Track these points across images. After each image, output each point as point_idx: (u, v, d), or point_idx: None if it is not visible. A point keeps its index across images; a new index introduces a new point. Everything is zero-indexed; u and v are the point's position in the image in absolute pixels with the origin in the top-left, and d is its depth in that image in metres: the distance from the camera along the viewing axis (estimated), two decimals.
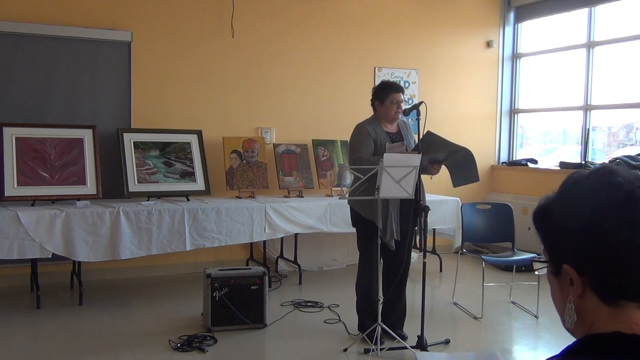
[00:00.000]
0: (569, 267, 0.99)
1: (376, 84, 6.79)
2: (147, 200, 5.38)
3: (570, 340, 1.01)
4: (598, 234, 0.96)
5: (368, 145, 4.16)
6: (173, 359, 3.87)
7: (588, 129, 6.72)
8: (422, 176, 4.13)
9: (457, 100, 7.39)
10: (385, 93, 4.24)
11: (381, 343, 3.97)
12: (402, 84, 6.96)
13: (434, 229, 6.41)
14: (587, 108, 6.80)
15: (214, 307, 4.30)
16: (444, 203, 6.29)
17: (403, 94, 4.27)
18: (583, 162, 6.45)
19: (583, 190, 1.01)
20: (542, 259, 1.08)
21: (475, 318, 4.81)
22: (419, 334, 3.94)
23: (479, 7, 7.50)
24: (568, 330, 1.03)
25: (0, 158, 4.97)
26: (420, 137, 4.02)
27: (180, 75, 6.08)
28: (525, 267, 5.94)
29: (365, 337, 4.05)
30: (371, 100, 4.36)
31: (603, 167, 1.03)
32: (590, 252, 0.97)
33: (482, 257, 5.10)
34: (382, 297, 3.97)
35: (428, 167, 4.09)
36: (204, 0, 6.13)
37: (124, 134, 5.56)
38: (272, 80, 6.46)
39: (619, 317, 0.96)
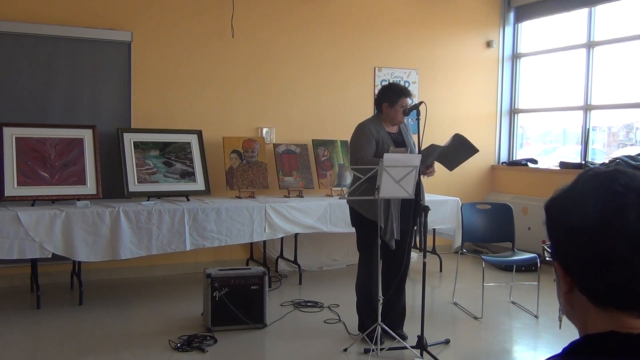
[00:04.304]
0: (557, 264, 0.98)
1: (376, 84, 6.86)
2: (147, 200, 5.38)
3: (569, 340, 1.01)
4: (584, 239, 0.92)
5: (370, 145, 4.16)
6: (173, 359, 3.87)
7: (588, 129, 6.72)
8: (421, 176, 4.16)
9: (457, 100, 7.39)
10: (397, 96, 4.21)
11: (381, 343, 3.97)
12: (401, 84, 6.96)
13: (434, 229, 6.41)
14: (587, 108, 6.80)
15: (214, 307, 4.30)
16: (444, 203, 6.29)
17: (411, 98, 4.31)
18: (583, 162, 6.45)
19: (581, 190, 0.97)
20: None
21: (475, 318, 4.81)
22: (419, 334, 3.93)
23: (479, 7, 7.50)
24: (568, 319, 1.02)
25: (0, 158, 4.97)
26: (420, 137, 4.03)
27: (180, 75, 6.08)
28: (525, 267, 5.95)
29: (365, 337, 4.06)
30: (377, 99, 4.36)
31: (609, 173, 0.97)
32: (577, 256, 0.94)
33: (482, 257, 5.10)
34: (382, 297, 3.97)
35: (425, 171, 4.19)
36: (204, 0, 6.14)
37: (124, 134, 5.56)
38: (272, 80, 6.46)
39: (608, 319, 0.94)
